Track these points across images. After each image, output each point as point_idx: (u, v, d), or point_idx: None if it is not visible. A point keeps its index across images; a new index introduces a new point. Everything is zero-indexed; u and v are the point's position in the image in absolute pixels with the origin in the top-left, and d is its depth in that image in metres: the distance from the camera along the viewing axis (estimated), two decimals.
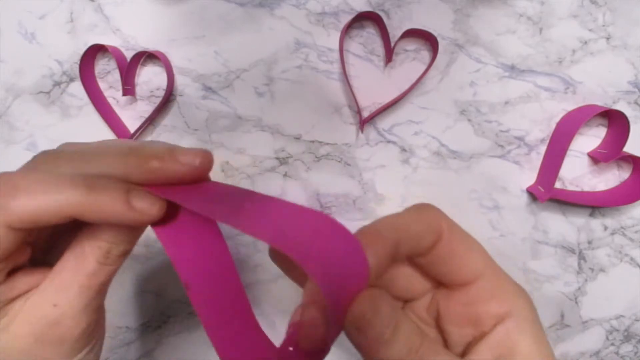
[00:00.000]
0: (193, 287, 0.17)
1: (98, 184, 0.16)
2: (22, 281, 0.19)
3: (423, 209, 0.19)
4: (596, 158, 0.34)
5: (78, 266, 0.18)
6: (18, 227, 0.16)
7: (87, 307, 0.18)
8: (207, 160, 0.18)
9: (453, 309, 0.19)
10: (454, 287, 0.19)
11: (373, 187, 0.35)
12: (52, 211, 0.16)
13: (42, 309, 0.18)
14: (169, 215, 0.18)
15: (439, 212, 0.19)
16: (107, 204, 0.16)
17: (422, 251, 0.18)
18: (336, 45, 0.35)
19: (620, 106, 0.34)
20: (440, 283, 0.20)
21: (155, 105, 0.35)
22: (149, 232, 0.38)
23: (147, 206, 0.17)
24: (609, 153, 0.34)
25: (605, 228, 0.35)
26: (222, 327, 0.18)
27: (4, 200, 0.16)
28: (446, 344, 0.20)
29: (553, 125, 0.35)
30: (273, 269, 0.36)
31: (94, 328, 0.20)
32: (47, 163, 0.18)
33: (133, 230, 0.19)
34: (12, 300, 0.18)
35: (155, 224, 0.18)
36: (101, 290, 0.19)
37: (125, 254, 0.19)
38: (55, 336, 0.18)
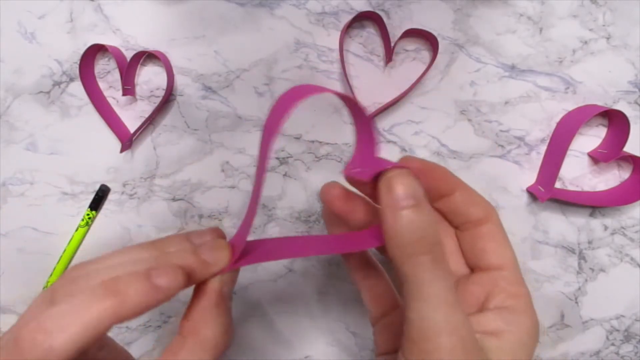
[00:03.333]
0: None
1: (118, 283, 0.17)
2: None
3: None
4: (596, 158, 0.34)
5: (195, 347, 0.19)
6: (69, 358, 0.16)
7: None
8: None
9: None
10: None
11: None
12: (90, 328, 0.16)
13: None
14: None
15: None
16: (133, 297, 0.17)
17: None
18: (336, 45, 0.35)
19: (621, 106, 0.34)
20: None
21: (155, 105, 0.35)
22: (149, 233, 0.38)
23: (170, 280, 0.18)
24: (609, 153, 0.34)
25: (606, 228, 0.35)
26: None
27: (45, 341, 0.16)
28: None
29: (553, 125, 0.35)
30: (273, 269, 0.36)
31: None
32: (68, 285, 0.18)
33: (228, 318, 0.20)
34: None
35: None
36: None
37: (230, 344, 0.21)
38: None
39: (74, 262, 0.36)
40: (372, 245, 0.21)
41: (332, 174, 0.35)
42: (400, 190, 0.18)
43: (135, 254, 0.19)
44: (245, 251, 0.21)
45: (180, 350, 0.19)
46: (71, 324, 0.16)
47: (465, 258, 0.24)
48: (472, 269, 0.23)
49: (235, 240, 0.21)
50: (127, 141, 0.35)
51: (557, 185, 0.34)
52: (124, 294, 0.17)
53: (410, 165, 0.19)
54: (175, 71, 0.35)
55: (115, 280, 0.17)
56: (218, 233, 0.22)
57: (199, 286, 0.20)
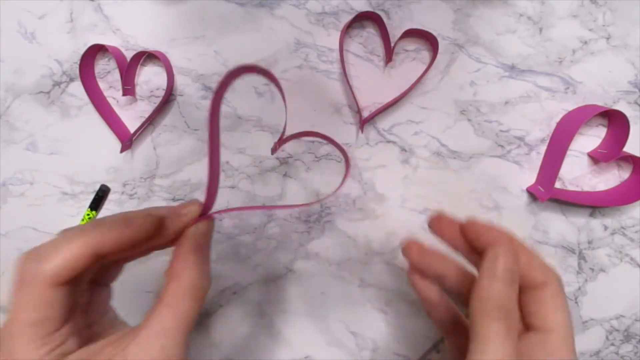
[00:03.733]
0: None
1: (99, 221, 0.20)
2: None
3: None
4: (596, 158, 0.34)
5: (175, 309, 0.20)
6: (59, 282, 0.18)
7: (185, 346, 0.20)
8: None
9: None
10: None
11: (373, 187, 0.35)
12: (76, 255, 0.19)
13: (148, 354, 0.19)
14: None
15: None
16: (112, 231, 0.20)
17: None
18: (336, 45, 0.35)
19: (621, 106, 0.34)
20: None
21: (155, 105, 0.35)
22: None
23: (140, 217, 0.21)
24: (609, 153, 0.34)
25: (606, 228, 0.35)
26: None
27: (34, 266, 0.19)
28: None
29: (553, 125, 0.35)
30: (273, 268, 0.36)
31: None
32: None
33: (206, 265, 0.22)
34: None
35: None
36: (190, 330, 0.22)
37: (208, 289, 0.22)
38: None
39: None
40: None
41: (332, 174, 0.35)
42: (503, 263, 0.22)
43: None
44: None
45: (163, 295, 0.21)
46: (57, 253, 0.19)
47: (522, 316, 0.25)
48: (527, 327, 0.25)
49: (205, 200, 0.24)
50: (127, 141, 0.35)
51: (557, 185, 0.34)
52: (102, 228, 0.20)
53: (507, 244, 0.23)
54: (175, 71, 0.35)
55: (97, 219, 0.20)
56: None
57: (179, 238, 0.23)
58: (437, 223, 0.27)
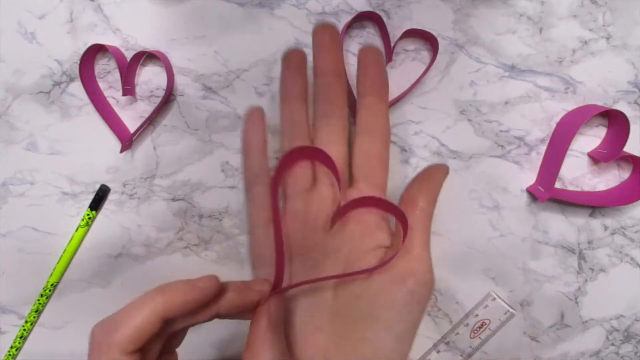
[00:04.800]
0: None
1: (165, 286, 0.21)
2: None
3: None
4: (596, 158, 0.34)
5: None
6: (131, 349, 0.19)
7: None
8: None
9: None
10: None
11: None
12: (146, 322, 0.20)
13: None
14: None
15: None
16: (178, 294, 0.21)
17: None
18: None
19: (621, 106, 0.34)
20: None
21: (155, 105, 0.35)
22: (149, 233, 0.38)
23: (206, 281, 0.22)
24: (609, 153, 0.34)
25: (606, 228, 0.35)
26: None
27: (106, 336, 0.20)
28: None
29: (553, 125, 0.35)
30: None
31: None
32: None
33: (283, 344, 0.24)
34: None
35: None
36: None
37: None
38: None
39: (74, 262, 0.36)
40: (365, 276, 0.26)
41: None
42: None
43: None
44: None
45: None
46: (128, 321, 0.20)
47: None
48: None
49: (275, 276, 0.24)
50: (127, 141, 0.35)
51: (557, 185, 0.34)
52: (168, 292, 0.20)
53: None
54: (175, 71, 0.35)
55: (162, 285, 0.21)
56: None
57: (253, 320, 0.23)
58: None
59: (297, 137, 0.29)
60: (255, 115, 0.31)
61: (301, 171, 0.29)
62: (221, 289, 0.22)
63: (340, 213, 0.27)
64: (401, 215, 0.26)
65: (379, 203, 0.27)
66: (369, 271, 0.25)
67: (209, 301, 0.22)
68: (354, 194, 0.27)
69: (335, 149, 0.28)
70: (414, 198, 0.27)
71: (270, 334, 0.22)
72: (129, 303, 0.20)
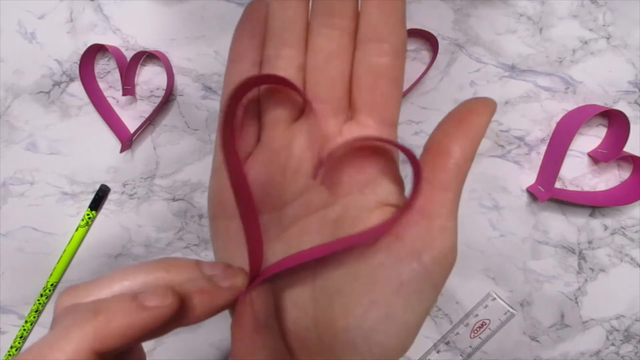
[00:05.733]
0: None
1: (104, 305, 0.15)
2: None
3: None
4: (596, 158, 0.34)
5: None
6: None
7: None
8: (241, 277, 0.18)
9: None
10: None
11: None
12: (71, 357, 0.14)
13: None
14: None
15: None
16: (118, 317, 0.15)
17: None
18: None
19: (621, 106, 0.34)
20: None
21: (155, 105, 0.35)
22: (149, 232, 0.38)
23: (159, 300, 0.16)
24: (609, 153, 0.34)
25: (606, 228, 0.35)
26: None
27: None
28: None
29: (553, 125, 0.35)
30: None
31: None
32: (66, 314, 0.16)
33: (279, 344, 0.18)
34: None
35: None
36: None
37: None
38: None
39: (74, 262, 0.36)
40: (367, 242, 0.18)
41: None
42: None
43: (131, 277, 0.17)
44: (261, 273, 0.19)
45: None
46: (54, 354, 0.14)
47: None
48: None
49: (250, 264, 0.19)
50: (127, 141, 0.35)
51: (557, 185, 0.34)
52: (105, 317, 0.15)
53: None
54: (175, 71, 0.35)
55: (100, 300, 0.15)
56: (228, 265, 0.20)
57: (234, 322, 0.18)
58: None
59: (286, 44, 0.20)
60: (256, 9, 0.22)
61: (283, 96, 0.20)
62: (180, 300, 0.16)
63: (333, 156, 0.19)
64: (416, 165, 0.19)
65: (387, 144, 0.20)
66: (371, 235, 0.18)
67: (164, 322, 0.16)
68: (354, 129, 0.20)
69: (336, 63, 0.19)
70: (445, 146, 0.19)
71: (260, 336, 0.17)
72: (57, 328, 0.15)
